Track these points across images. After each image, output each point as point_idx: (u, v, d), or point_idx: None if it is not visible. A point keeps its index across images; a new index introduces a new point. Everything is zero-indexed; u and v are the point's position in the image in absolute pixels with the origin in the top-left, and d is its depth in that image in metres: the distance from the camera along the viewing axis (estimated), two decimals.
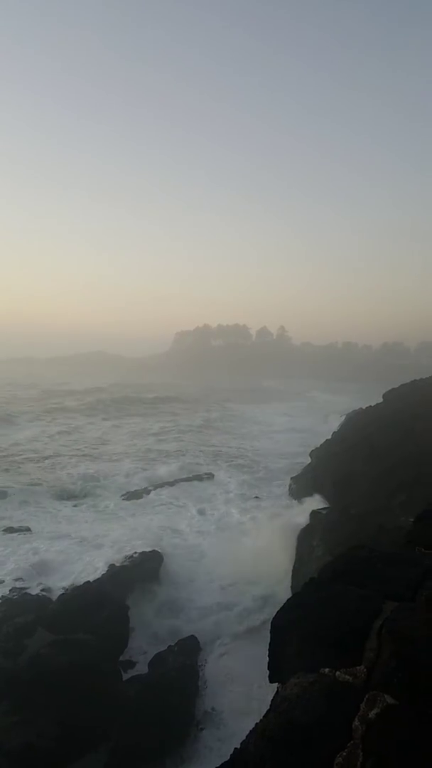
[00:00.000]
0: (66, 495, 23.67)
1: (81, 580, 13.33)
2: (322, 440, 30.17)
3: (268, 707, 2.92)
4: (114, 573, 13.71)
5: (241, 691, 10.58)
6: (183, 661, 11.14)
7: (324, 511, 17.41)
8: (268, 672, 3.30)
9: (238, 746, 2.71)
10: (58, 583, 13.88)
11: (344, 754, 2.29)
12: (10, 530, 18.56)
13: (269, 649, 3.35)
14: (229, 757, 2.64)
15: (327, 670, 2.79)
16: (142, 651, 11.60)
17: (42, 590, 13.38)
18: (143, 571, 14.65)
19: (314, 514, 17.54)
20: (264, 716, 2.80)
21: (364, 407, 37.04)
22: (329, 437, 30.15)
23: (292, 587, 14.27)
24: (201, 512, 22.22)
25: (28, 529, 18.76)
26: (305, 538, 15.96)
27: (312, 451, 28.38)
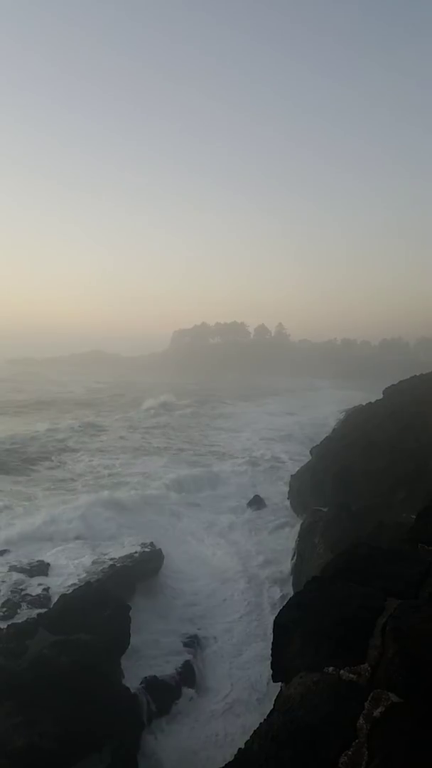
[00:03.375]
0: (65, 493, 23.62)
1: (82, 580, 13.31)
2: (322, 437, 30.16)
3: (272, 706, 2.90)
4: (115, 572, 13.70)
5: (243, 689, 10.58)
6: (185, 660, 11.15)
7: (324, 509, 17.42)
8: (271, 671, 3.28)
9: (242, 746, 2.69)
10: (59, 583, 13.86)
11: (349, 753, 2.28)
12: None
13: (272, 648, 3.32)
14: (233, 758, 2.62)
15: (331, 668, 2.77)
16: (144, 650, 11.59)
17: (43, 590, 13.36)
18: (144, 570, 14.64)
19: (315, 511, 17.54)
20: (268, 716, 2.79)
21: (363, 403, 37.04)
22: (329, 434, 30.14)
23: (294, 585, 14.28)
24: (201, 511, 22.22)
25: (29, 528, 18.71)
26: (306, 536, 15.96)
27: (312, 448, 28.37)
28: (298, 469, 26.41)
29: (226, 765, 2.64)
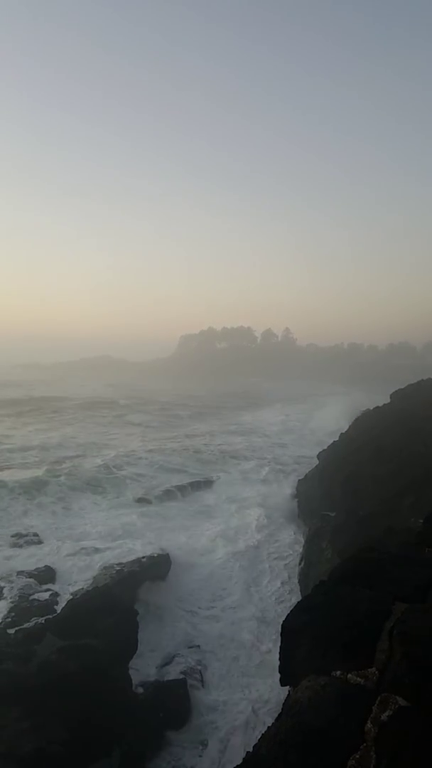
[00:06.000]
0: (74, 499, 23.70)
1: (89, 586, 13.34)
2: (330, 441, 30.06)
3: (280, 710, 2.91)
4: (122, 577, 13.70)
5: (251, 693, 10.54)
6: (193, 665, 11.14)
7: (332, 514, 17.35)
8: (279, 674, 3.29)
9: (251, 750, 2.70)
10: (67, 588, 13.89)
11: (357, 756, 2.28)
12: (17, 535, 18.61)
13: (280, 652, 3.34)
14: (241, 761, 2.64)
15: (338, 672, 2.78)
16: (151, 655, 11.59)
17: (50, 596, 13.39)
18: (152, 574, 14.63)
19: (322, 516, 17.48)
20: (276, 719, 2.80)
21: (371, 408, 36.90)
22: (336, 439, 30.03)
23: (302, 590, 14.23)
24: (208, 515, 22.21)
25: (36, 535, 18.81)
26: (314, 540, 15.90)
27: (319, 452, 28.29)
28: (305, 473, 26.35)
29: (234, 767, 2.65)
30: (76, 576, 14.86)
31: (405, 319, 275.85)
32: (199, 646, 12.08)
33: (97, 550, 16.92)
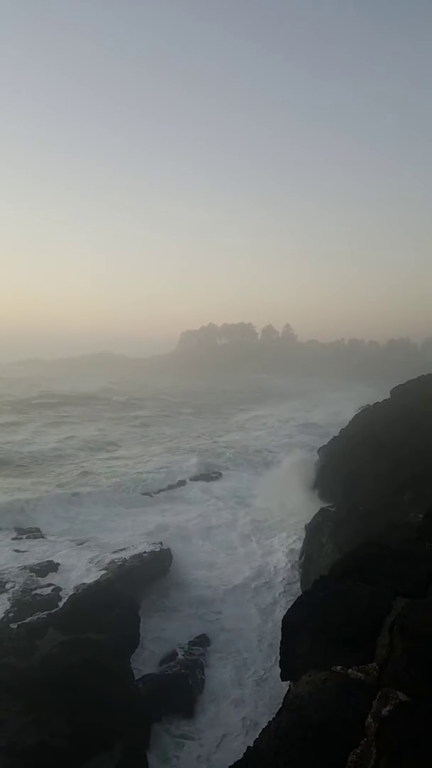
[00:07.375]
0: (76, 494, 23.74)
1: (91, 580, 13.38)
2: (329, 437, 30.07)
3: (281, 705, 2.91)
4: (124, 572, 13.74)
5: (253, 687, 10.59)
6: (194, 660, 11.18)
7: (333, 509, 17.39)
8: (280, 669, 3.29)
9: (251, 745, 2.70)
10: (69, 583, 13.92)
11: (358, 751, 2.29)
12: (20, 531, 18.67)
13: (280, 648, 3.34)
14: (242, 756, 2.64)
15: (339, 667, 2.78)
16: (153, 650, 11.63)
17: (52, 590, 13.43)
18: (153, 569, 14.68)
19: (323, 511, 17.51)
20: (276, 714, 2.80)
21: (371, 404, 36.84)
22: (337, 434, 30.02)
23: (302, 585, 14.26)
24: (212, 509, 22.24)
25: (38, 530, 18.87)
26: (314, 535, 15.93)
27: (320, 448, 28.30)
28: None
29: (235, 763, 2.66)
30: (78, 571, 14.88)
31: (405, 315, 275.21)
32: (200, 641, 12.11)
33: (98, 545, 16.97)
